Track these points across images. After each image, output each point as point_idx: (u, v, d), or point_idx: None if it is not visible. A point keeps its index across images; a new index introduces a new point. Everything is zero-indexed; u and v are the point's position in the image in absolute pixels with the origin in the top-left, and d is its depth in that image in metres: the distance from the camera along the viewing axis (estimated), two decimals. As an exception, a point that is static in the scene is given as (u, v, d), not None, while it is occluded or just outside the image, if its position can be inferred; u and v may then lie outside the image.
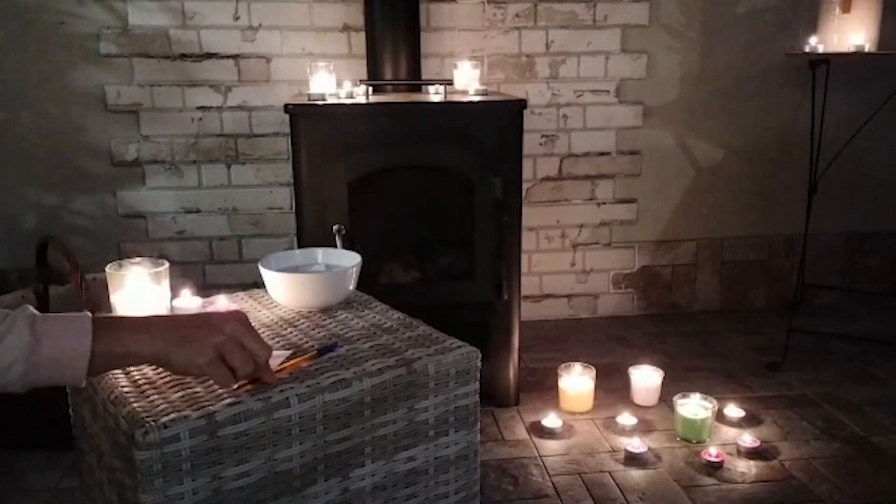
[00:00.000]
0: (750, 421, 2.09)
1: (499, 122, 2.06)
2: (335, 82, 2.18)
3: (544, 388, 2.28)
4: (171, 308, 1.24)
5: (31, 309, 0.85)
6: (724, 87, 2.80)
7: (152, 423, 0.86)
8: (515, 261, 2.13)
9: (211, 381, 0.97)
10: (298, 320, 1.22)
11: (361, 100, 2.08)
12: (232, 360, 0.90)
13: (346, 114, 2.04)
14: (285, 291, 1.26)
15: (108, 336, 0.86)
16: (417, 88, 2.35)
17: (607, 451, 1.96)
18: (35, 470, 1.90)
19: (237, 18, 2.51)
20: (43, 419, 1.87)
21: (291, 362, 1.03)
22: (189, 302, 1.27)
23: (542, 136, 2.75)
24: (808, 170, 2.46)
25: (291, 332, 1.17)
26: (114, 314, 0.91)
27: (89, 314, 0.87)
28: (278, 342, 1.13)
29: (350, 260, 1.32)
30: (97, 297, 1.68)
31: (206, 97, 2.55)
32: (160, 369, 1.02)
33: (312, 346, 1.11)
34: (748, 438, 1.95)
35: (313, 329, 1.18)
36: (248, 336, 0.92)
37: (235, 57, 2.54)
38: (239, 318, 0.93)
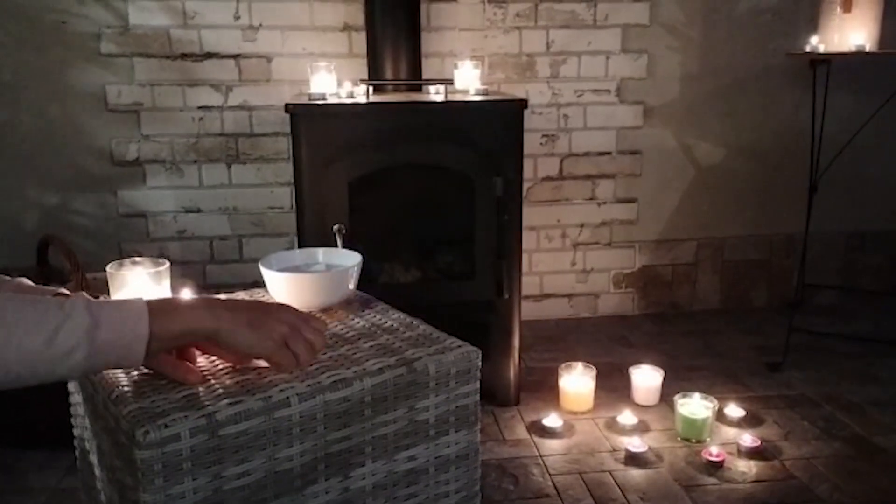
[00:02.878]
0: (750, 420, 2.09)
1: (499, 121, 2.06)
2: (336, 82, 2.18)
3: (545, 387, 2.29)
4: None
5: (86, 295, 0.85)
6: (725, 87, 2.80)
7: (153, 423, 0.86)
8: (516, 260, 2.13)
9: (213, 382, 0.97)
10: (299, 320, 1.22)
11: (362, 99, 2.08)
12: (296, 348, 0.96)
13: (346, 113, 2.04)
14: (286, 291, 1.26)
15: (165, 316, 0.87)
16: (418, 88, 2.35)
17: (608, 451, 1.96)
18: (36, 469, 1.90)
19: (238, 18, 2.51)
20: (43, 418, 1.87)
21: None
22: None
23: (543, 135, 2.75)
24: (809, 169, 2.46)
25: (292, 332, 1.16)
26: (168, 296, 0.94)
27: (143, 299, 0.88)
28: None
29: (350, 259, 1.32)
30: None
31: (206, 97, 2.55)
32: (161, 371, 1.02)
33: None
34: (749, 438, 1.95)
35: (314, 328, 1.18)
36: (305, 326, 0.98)
37: (236, 56, 2.54)
38: (292, 310, 1.00)
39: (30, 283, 1.03)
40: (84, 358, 0.81)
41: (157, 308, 0.87)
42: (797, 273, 2.66)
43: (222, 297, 1.01)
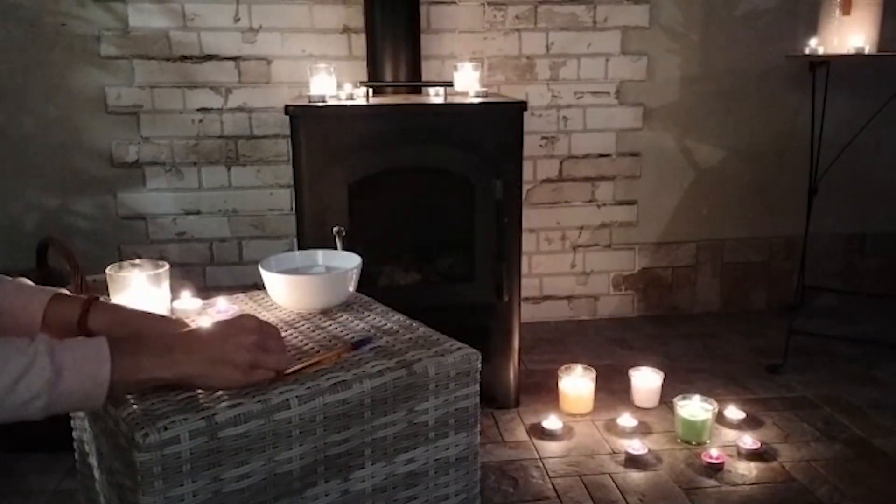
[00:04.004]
0: (750, 423, 2.09)
1: (499, 123, 2.06)
2: (335, 84, 2.18)
3: (544, 389, 2.28)
4: (172, 310, 1.24)
5: (47, 339, 0.86)
6: (725, 89, 2.81)
7: (152, 425, 0.85)
8: (516, 262, 2.13)
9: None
10: (298, 322, 1.22)
11: (362, 101, 2.09)
12: (266, 364, 0.96)
13: (346, 115, 2.04)
14: (285, 293, 1.26)
15: (127, 363, 0.88)
16: (418, 90, 2.35)
17: (607, 453, 1.96)
18: (35, 472, 1.90)
19: (237, 20, 2.51)
20: (43, 421, 1.86)
21: (328, 354, 1.05)
22: (189, 303, 1.27)
23: (543, 137, 2.75)
24: (809, 171, 2.46)
25: (291, 334, 1.17)
26: (132, 338, 0.94)
27: (105, 340, 0.87)
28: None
29: (350, 261, 1.32)
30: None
31: (206, 99, 2.55)
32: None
33: (351, 338, 1.12)
34: (748, 440, 1.95)
35: (313, 331, 1.18)
36: (265, 336, 0.97)
37: (236, 59, 2.54)
38: (250, 328, 0.97)
39: (29, 282, 1.03)
40: (45, 405, 0.83)
41: (120, 353, 0.87)
42: (797, 275, 2.66)
43: (192, 326, 1.01)
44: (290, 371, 0.99)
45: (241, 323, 0.98)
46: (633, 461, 1.91)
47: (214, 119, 2.57)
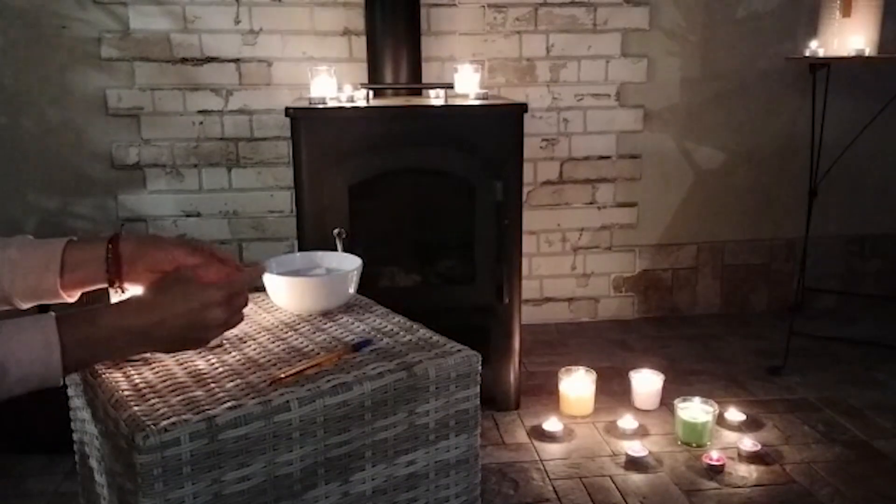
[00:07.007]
0: (751, 425, 2.09)
1: (499, 125, 2.06)
2: (336, 86, 2.19)
3: (545, 391, 2.28)
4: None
5: None
6: (725, 91, 2.81)
7: (153, 427, 0.85)
8: (516, 264, 2.13)
9: (213, 386, 0.97)
10: (299, 324, 1.22)
11: (362, 103, 2.09)
12: (235, 322, 0.95)
13: (346, 117, 2.04)
14: (286, 295, 1.26)
15: (79, 349, 0.85)
16: (418, 92, 2.36)
17: (608, 455, 1.96)
18: (35, 474, 1.90)
19: (238, 22, 2.51)
20: (43, 422, 1.87)
21: (329, 356, 1.05)
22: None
23: (543, 139, 2.75)
24: (809, 173, 2.46)
25: (292, 336, 1.16)
26: (86, 312, 0.89)
27: (54, 325, 0.84)
28: (279, 346, 1.13)
29: (351, 263, 1.32)
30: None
31: (206, 101, 2.55)
32: (160, 373, 1.02)
33: (351, 340, 1.12)
34: (749, 442, 1.95)
35: (314, 332, 1.18)
36: (235, 317, 0.94)
37: (236, 61, 2.54)
38: (218, 306, 0.91)
39: (32, 238, 1.05)
40: None
41: (71, 339, 0.84)
42: (797, 277, 2.66)
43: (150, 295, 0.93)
44: (290, 373, 0.99)
45: (208, 301, 0.91)
46: (633, 463, 1.91)
47: (215, 121, 2.57)
